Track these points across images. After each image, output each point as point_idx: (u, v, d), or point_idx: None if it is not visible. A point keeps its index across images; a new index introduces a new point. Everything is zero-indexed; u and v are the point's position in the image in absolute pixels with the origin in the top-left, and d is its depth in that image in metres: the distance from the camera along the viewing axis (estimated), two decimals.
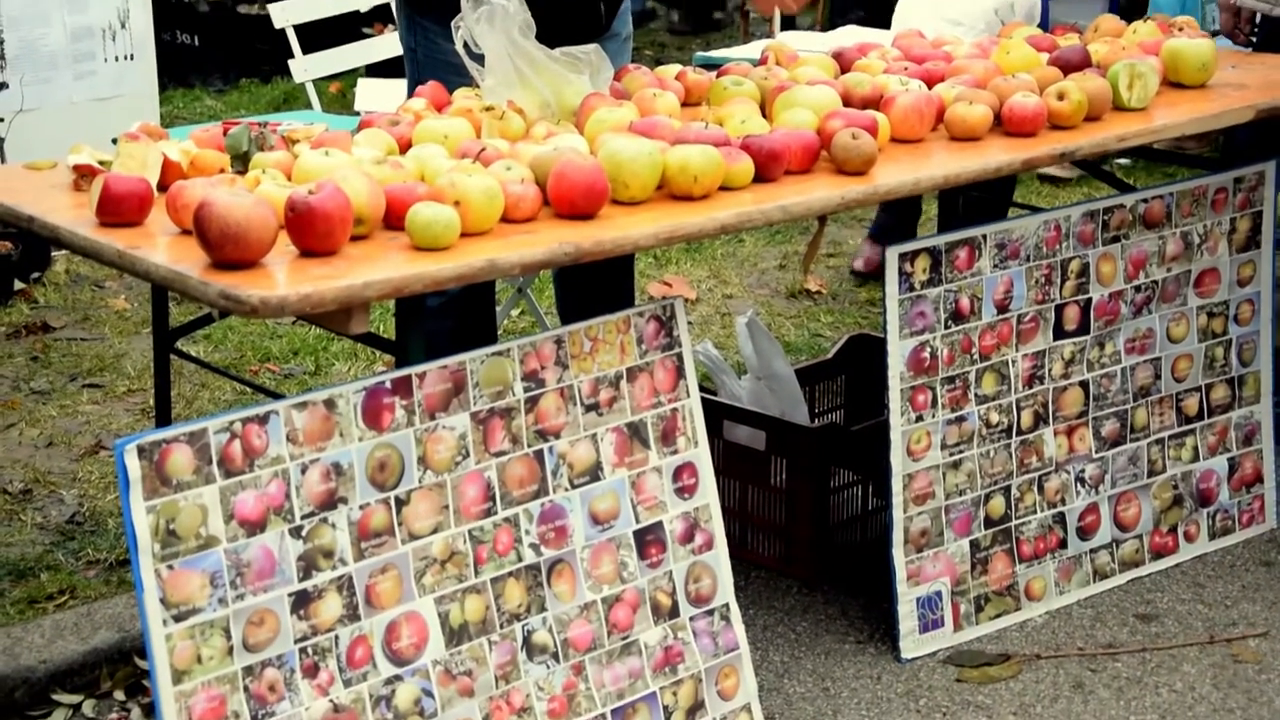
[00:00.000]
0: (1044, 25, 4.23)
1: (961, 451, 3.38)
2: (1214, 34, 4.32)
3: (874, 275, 5.34)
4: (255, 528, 2.52)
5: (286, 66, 6.16)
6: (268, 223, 2.45)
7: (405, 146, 2.96)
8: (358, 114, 5.88)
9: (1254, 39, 4.44)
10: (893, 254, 3.24)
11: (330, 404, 2.59)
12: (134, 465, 2.42)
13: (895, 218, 5.31)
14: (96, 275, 5.49)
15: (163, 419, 3.32)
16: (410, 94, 3.50)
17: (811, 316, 5.29)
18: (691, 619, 3.00)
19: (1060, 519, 3.54)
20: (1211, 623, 3.52)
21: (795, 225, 5.86)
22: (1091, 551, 3.60)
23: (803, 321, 5.24)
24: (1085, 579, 3.59)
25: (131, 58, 6.22)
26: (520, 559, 2.80)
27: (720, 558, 3.04)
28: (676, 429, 2.99)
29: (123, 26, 6.19)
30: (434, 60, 3.43)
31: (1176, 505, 3.73)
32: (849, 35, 5.43)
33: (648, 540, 2.94)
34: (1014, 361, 3.43)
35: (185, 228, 2.56)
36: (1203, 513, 3.77)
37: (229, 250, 2.43)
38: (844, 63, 3.53)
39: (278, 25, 5.96)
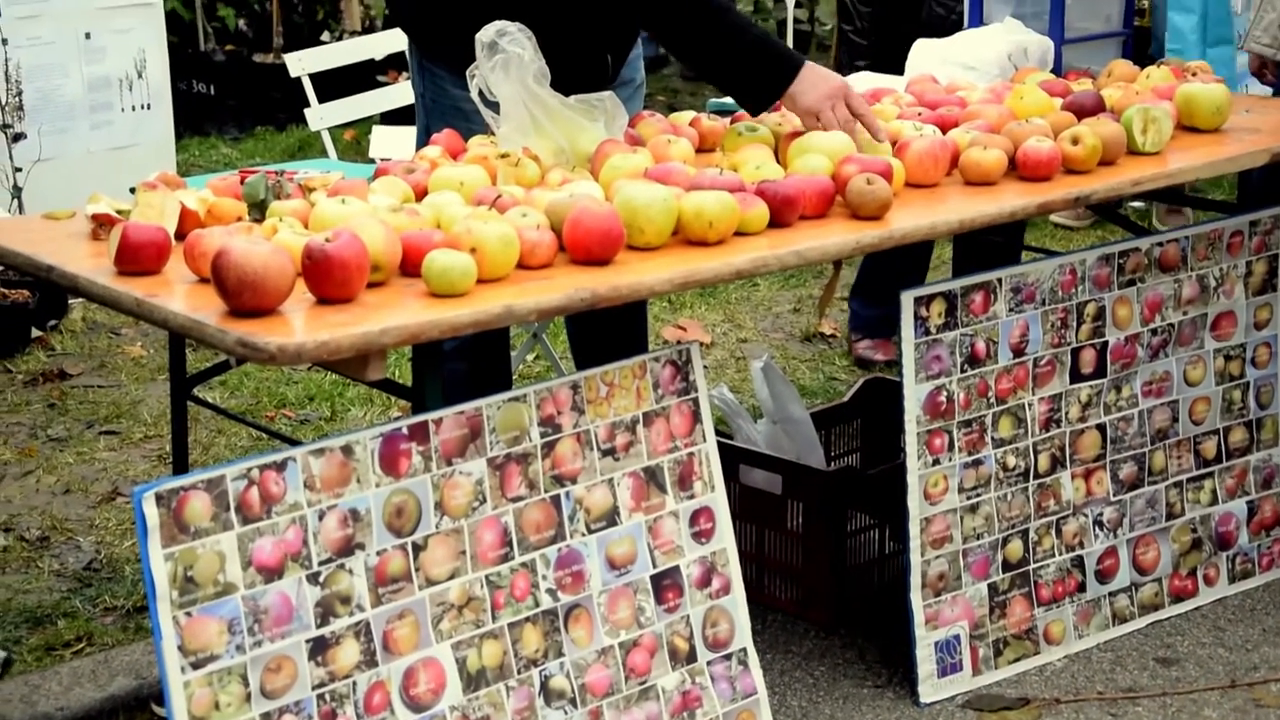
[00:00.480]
0: (1057, 70, 4.23)
1: (979, 495, 3.37)
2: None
3: (873, 362, 5.21)
4: (273, 574, 2.52)
5: (301, 114, 6.19)
6: (285, 270, 2.46)
7: (421, 194, 2.97)
8: (373, 161, 5.91)
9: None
10: (908, 298, 3.24)
11: (348, 450, 2.59)
12: (152, 512, 2.42)
13: (869, 304, 5.20)
14: (113, 322, 5.50)
15: (180, 465, 3.33)
16: (419, 138, 3.52)
17: (826, 360, 5.29)
18: (709, 663, 2.99)
19: (1079, 562, 3.53)
20: (1233, 667, 3.50)
21: (810, 269, 5.87)
22: (1110, 595, 3.58)
23: (818, 365, 5.24)
24: (1104, 622, 3.57)
25: (148, 107, 6.26)
26: (537, 604, 2.79)
27: (737, 602, 3.03)
28: (693, 473, 2.98)
29: (139, 76, 6.23)
30: (443, 106, 3.44)
31: (1195, 548, 3.71)
32: (862, 81, 5.43)
33: (665, 585, 2.94)
34: (1030, 405, 3.43)
35: (203, 276, 2.57)
36: (1222, 556, 3.76)
37: (247, 298, 2.44)
38: None
39: (293, 74, 5.99)
